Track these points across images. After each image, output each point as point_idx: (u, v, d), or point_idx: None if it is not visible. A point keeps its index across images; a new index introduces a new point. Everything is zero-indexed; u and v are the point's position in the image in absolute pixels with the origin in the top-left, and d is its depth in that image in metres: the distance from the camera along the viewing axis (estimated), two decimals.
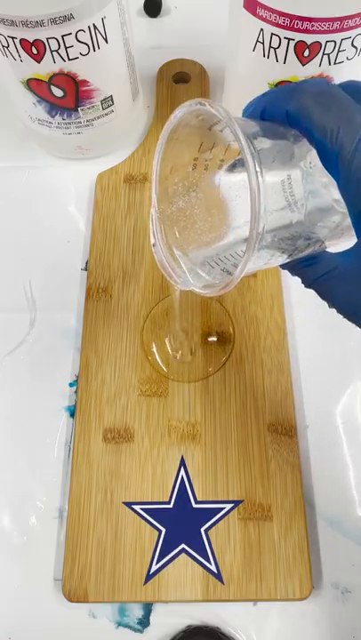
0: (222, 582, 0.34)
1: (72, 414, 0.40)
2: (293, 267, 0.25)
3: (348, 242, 0.24)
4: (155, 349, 0.41)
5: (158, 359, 0.41)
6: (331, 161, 0.20)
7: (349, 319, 0.24)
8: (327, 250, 0.25)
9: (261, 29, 0.37)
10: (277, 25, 0.35)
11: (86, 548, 0.35)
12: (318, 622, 0.34)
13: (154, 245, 0.28)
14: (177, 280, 0.27)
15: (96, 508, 0.36)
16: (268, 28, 0.36)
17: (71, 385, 0.41)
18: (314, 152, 0.21)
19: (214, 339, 0.41)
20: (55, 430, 0.39)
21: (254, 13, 0.36)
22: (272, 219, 0.21)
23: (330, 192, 0.23)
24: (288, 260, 0.24)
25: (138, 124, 0.52)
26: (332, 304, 0.24)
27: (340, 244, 0.25)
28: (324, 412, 0.40)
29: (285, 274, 0.44)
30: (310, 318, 0.42)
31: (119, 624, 0.34)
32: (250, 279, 0.43)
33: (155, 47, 0.57)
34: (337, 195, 0.21)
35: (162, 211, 0.27)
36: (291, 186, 0.22)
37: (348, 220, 0.21)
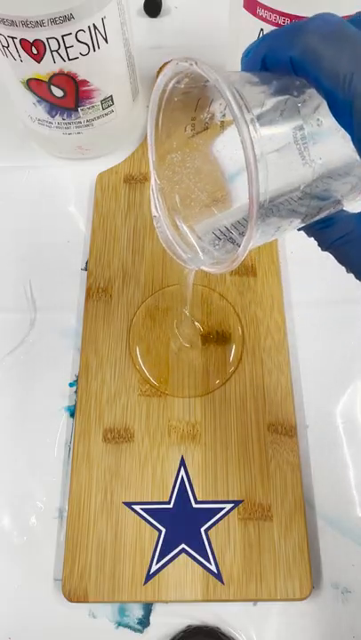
0: (222, 582, 0.34)
1: (72, 414, 0.40)
2: (309, 228, 0.23)
3: None
4: (143, 365, 0.41)
5: (148, 374, 0.40)
6: (343, 112, 0.17)
7: None
8: (344, 209, 0.23)
9: (261, 29, 0.37)
10: (277, 25, 0.35)
11: (86, 548, 0.35)
12: (318, 622, 0.34)
13: (155, 217, 0.26)
14: (181, 255, 0.25)
15: (96, 508, 0.36)
16: (269, 28, 0.36)
17: (71, 385, 0.41)
18: (325, 103, 0.18)
19: (216, 339, 0.41)
20: (55, 430, 0.39)
21: (254, 13, 0.36)
22: (276, 178, 0.19)
23: (349, 144, 0.20)
24: (302, 226, 0.23)
25: (138, 124, 0.52)
26: (349, 268, 0.23)
27: (355, 202, 0.23)
28: (324, 412, 0.39)
29: (285, 274, 0.44)
30: (310, 318, 0.42)
31: (119, 624, 0.34)
32: (250, 279, 0.43)
33: (155, 47, 0.57)
34: None
35: (162, 179, 0.25)
36: (298, 141, 0.19)
37: None
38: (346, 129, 0.18)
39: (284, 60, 0.19)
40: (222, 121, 0.24)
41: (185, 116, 0.24)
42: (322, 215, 0.22)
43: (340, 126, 0.18)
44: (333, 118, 0.18)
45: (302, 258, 0.44)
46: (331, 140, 0.20)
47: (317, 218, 0.22)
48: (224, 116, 0.24)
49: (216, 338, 0.41)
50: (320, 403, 0.40)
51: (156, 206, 0.26)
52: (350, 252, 0.22)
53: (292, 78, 0.19)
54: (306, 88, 0.20)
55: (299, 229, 0.23)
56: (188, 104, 0.23)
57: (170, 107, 0.23)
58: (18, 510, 0.37)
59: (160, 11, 0.60)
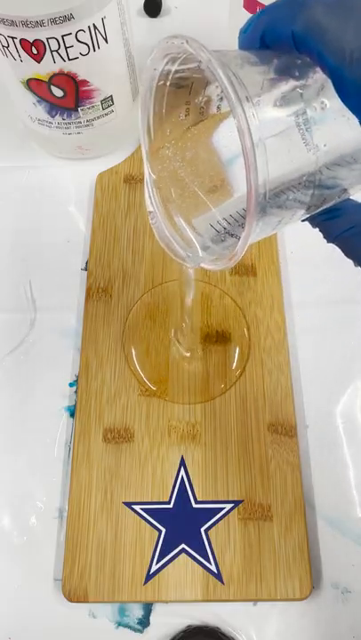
0: (222, 582, 0.34)
1: (72, 414, 0.40)
2: (314, 219, 0.22)
3: None
4: (140, 367, 0.40)
5: (146, 377, 0.40)
6: (350, 93, 0.16)
7: None
8: (350, 198, 0.22)
9: None
10: None
11: (86, 548, 0.35)
12: (318, 622, 0.34)
13: (151, 213, 0.24)
14: (179, 251, 0.24)
15: (96, 508, 0.36)
16: None
17: (71, 385, 0.41)
18: (330, 83, 0.17)
19: (215, 340, 0.41)
20: (55, 430, 0.39)
21: (254, 13, 0.36)
22: (277, 166, 0.17)
23: (357, 128, 0.18)
24: (305, 217, 0.21)
25: (138, 124, 0.52)
26: (357, 262, 0.22)
27: None
28: (324, 412, 0.39)
29: (285, 274, 0.44)
30: (310, 318, 0.42)
31: (119, 624, 0.34)
32: (250, 279, 0.43)
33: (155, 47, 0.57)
34: None
35: (156, 172, 0.24)
36: (301, 126, 0.18)
37: None
38: (353, 111, 0.16)
39: (286, 36, 0.17)
40: (219, 105, 0.22)
41: (178, 100, 0.22)
42: (327, 205, 0.21)
43: (346, 108, 0.17)
44: (339, 100, 0.17)
45: (302, 258, 0.44)
46: (336, 124, 0.18)
47: (322, 208, 0.21)
48: (221, 99, 0.22)
49: (216, 338, 0.41)
50: (320, 403, 0.40)
51: (151, 201, 0.24)
52: (358, 244, 0.21)
53: (295, 56, 0.18)
54: (310, 68, 0.18)
55: (303, 220, 0.22)
56: (181, 88, 0.22)
57: (162, 91, 0.22)
58: (18, 510, 0.37)
59: (160, 11, 0.60)
